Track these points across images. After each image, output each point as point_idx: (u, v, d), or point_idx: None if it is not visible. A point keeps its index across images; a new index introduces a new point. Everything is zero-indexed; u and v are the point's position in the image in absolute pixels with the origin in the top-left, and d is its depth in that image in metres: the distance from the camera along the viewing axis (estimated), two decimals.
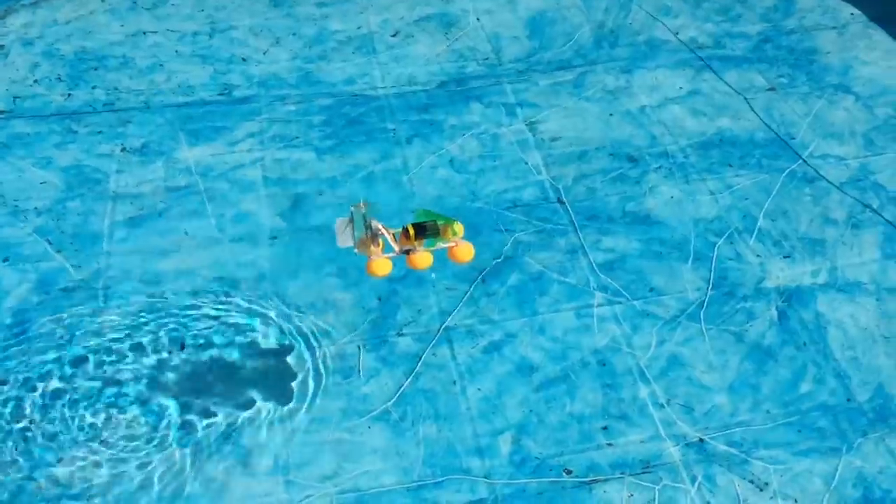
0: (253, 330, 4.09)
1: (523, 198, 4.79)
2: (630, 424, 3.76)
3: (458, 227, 3.32)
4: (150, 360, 3.95)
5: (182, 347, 4.00)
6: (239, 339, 4.05)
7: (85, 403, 3.78)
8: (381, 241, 3.32)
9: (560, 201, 4.76)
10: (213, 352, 4.00)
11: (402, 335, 4.10)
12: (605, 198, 4.79)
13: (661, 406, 3.81)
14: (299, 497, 3.50)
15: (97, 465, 3.57)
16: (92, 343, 4.00)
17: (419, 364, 3.97)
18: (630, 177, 4.90)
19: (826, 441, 3.68)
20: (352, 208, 3.34)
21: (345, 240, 3.41)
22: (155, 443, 3.66)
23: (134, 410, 3.77)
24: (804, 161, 4.97)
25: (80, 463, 3.58)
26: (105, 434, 3.68)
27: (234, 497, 3.49)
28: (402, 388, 3.88)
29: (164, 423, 3.73)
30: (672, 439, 3.70)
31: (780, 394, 3.86)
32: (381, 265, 3.31)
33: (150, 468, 3.58)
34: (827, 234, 4.55)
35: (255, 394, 3.85)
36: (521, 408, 3.82)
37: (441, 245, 3.33)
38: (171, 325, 4.09)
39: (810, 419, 3.76)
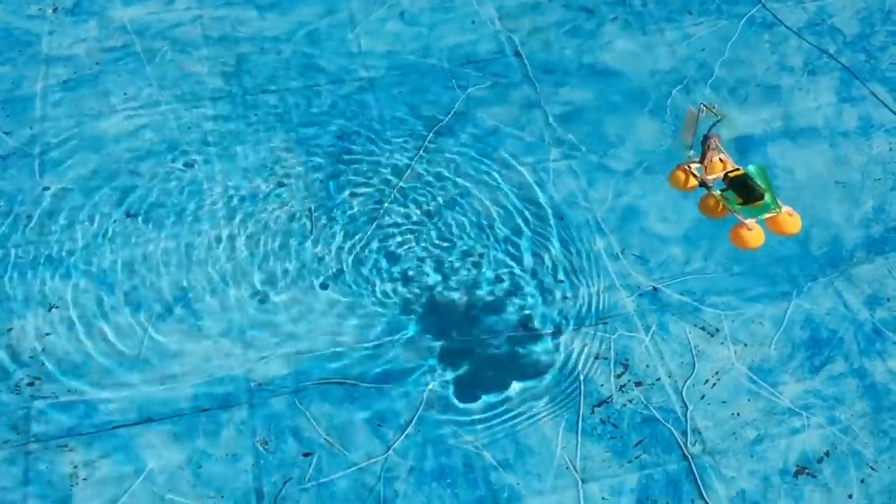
0: (201, 191, 3.98)
1: (478, 52, 4.63)
2: (586, 277, 3.77)
3: (782, 220, 2.78)
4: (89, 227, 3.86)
5: (128, 216, 3.89)
6: (187, 203, 3.95)
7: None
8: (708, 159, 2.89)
9: (517, 54, 4.61)
10: (161, 211, 3.90)
11: (355, 195, 4.02)
12: (562, 50, 4.65)
13: (617, 257, 3.82)
14: (256, 357, 3.50)
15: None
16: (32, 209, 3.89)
17: (374, 224, 3.91)
18: (586, 28, 4.74)
19: (777, 287, 3.73)
20: (702, 106, 2.84)
21: (685, 135, 2.94)
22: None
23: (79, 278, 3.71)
24: (763, 5, 4.84)
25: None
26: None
27: (190, 361, 3.48)
28: (356, 249, 3.84)
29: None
30: (627, 290, 3.73)
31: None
32: (678, 178, 2.93)
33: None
34: (783, 81, 4.48)
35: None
36: (476, 263, 3.80)
37: (731, 210, 2.81)
38: (116, 191, 3.97)
39: (762, 266, 3.79)
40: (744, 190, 2.79)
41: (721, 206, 2.86)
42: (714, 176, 2.91)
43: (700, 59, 4.58)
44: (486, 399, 3.40)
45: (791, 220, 2.82)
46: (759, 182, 2.79)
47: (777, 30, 4.73)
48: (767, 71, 4.52)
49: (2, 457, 3.19)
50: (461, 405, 3.39)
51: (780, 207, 2.80)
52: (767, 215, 2.81)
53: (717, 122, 2.83)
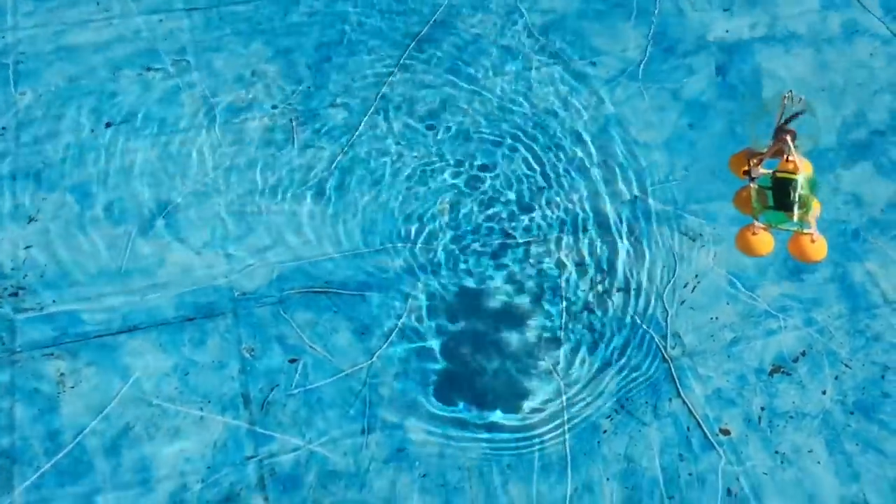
0: (180, 102, 3.93)
1: None
2: (568, 184, 3.77)
3: (803, 244, 2.61)
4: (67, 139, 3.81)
5: (108, 126, 3.84)
6: (166, 113, 3.90)
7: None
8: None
9: None
10: (139, 122, 3.85)
11: (335, 105, 3.97)
12: None
13: (599, 166, 3.82)
14: (240, 267, 3.50)
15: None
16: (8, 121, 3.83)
17: (355, 134, 3.88)
18: None
19: None
20: (790, 93, 2.62)
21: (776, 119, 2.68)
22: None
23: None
24: None
25: None
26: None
27: (173, 271, 3.48)
28: (337, 159, 3.81)
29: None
30: (609, 197, 3.73)
31: (716, 148, 3.87)
32: (733, 162, 2.75)
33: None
34: None
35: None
36: (460, 173, 3.79)
37: (752, 206, 2.65)
38: (93, 102, 3.91)
39: None
40: (780, 194, 2.60)
41: (768, 238, 2.69)
42: (765, 172, 2.70)
43: None
44: (467, 307, 3.44)
45: (812, 247, 2.62)
46: (802, 193, 2.59)
47: None
48: None
49: None
50: (444, 314, 3.42)
51: (805, 226, 2.61)
52: (788, 228, 2.63)
53: (798, 115, 2.61)
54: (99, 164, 3.74)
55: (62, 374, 3.20)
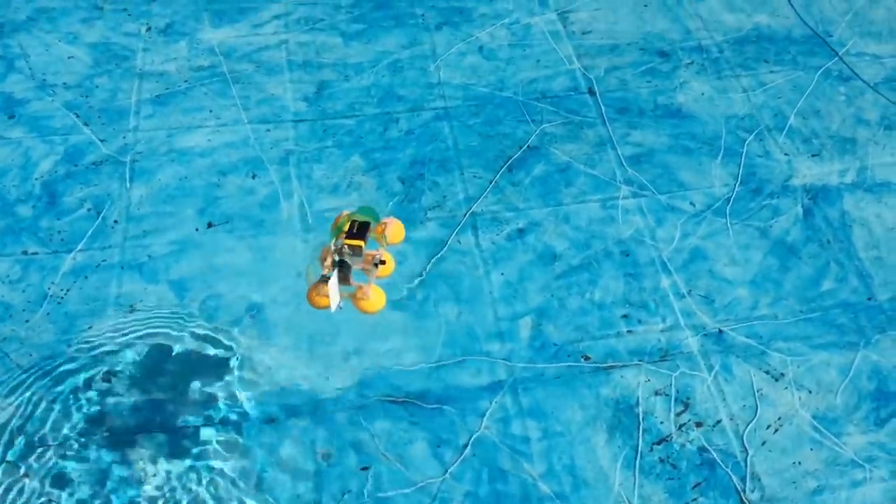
0: (278, 207, 4.11)
1: (553, 88, 4.72)
2: (650, 314, 3.79)
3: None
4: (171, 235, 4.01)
5: (209, 226, 4.03)
6: (265, 216, 4.08)
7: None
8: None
9: (591, 92, 4.68)
10: (239, 223, 4.04)
11: (427, 220, 4.11)
12: (637, 90, 4.71)
13: (682, 296, 3.83)
14: (322, 371, 3.58)
15: None
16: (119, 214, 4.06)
17: (444, 248, 3.99)
18: (662, 71, 4.80)
19: (844, 336, 3.70)
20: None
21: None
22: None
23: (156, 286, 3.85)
24: (840, 59, 4.85)
25: None
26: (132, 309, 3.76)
27: (257, 370, 3.57)
28: (424, 272, 3.92)
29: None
30: (691, 329, 3.73)
31: (801, 290, 3.86)
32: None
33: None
34: (858, 134, 4.47)
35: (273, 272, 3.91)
36: (542, 294, 3.85)
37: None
38: (198, 203, 4.13)
39: (830, 315, 3.77)
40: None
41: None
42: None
43: (775, 106, 4.60)
44: (542, 427, 3.43)
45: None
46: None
47: (853, 83, 4.73)
48: (843, 123, 4.52)
49: None
50: (518, 431, 3.42)
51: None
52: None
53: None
54: (200, 261, 3.92)
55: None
